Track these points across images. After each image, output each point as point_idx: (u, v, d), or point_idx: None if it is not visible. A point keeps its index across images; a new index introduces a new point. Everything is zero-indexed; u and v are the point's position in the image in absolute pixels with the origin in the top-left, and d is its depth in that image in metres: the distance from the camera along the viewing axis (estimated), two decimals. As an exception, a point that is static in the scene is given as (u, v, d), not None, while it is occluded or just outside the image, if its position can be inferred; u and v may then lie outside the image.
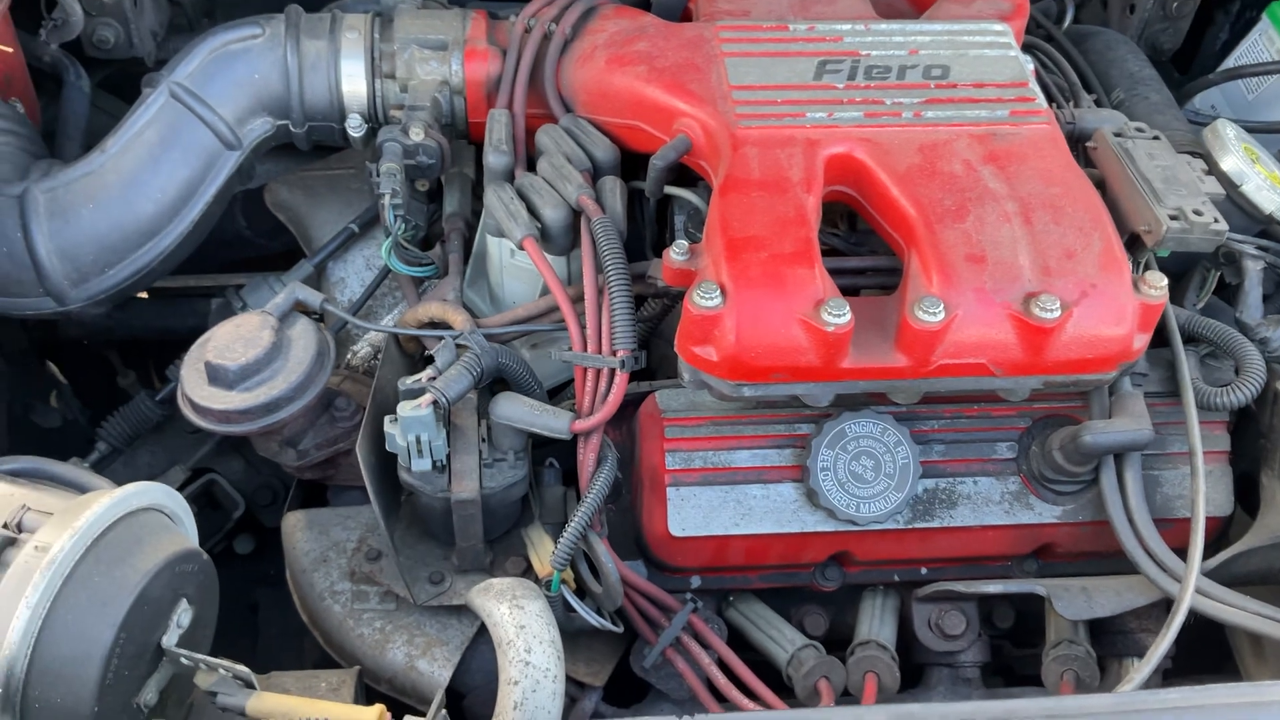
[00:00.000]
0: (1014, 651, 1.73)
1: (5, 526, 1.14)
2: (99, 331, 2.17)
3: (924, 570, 1.59)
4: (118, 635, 1.09)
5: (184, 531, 1.25)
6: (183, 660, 1.16)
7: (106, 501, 1.13)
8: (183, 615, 1.18)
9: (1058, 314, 1.31)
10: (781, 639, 1.59)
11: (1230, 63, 2.20)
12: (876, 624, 1.60)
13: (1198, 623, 1.60)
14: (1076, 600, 1.50)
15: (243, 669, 1.15)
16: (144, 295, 2.18)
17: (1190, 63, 2.35)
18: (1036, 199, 1.41)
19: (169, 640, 1.16)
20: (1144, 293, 1.37)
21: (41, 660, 1.06)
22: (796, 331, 1.32)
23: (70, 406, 2.23)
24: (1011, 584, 1.55)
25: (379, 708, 1.10)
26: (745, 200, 1.40)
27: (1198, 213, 1.41)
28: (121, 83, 2.07)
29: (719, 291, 1.32)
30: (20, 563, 1.08)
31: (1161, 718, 0.96)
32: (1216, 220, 1.41)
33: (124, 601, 1.10)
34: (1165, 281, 1.37)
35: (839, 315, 1.30)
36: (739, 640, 1.61)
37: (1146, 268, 1.44)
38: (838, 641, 1.61)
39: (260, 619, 2.07)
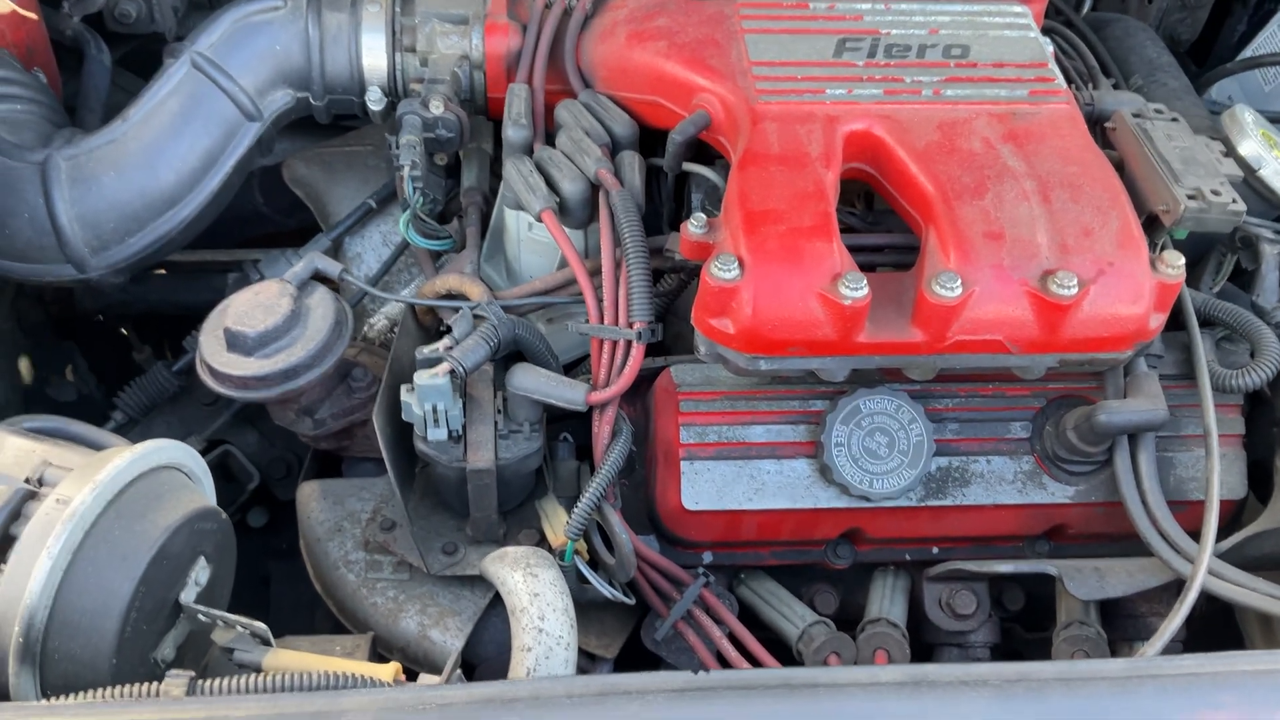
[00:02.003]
0: (1024, 635, 1.73)
1: (27, 481, 1.15)
2: (115, 305, 2.18)
3: (935, 550, 1.59)
4: (137, 589, 1.10)
5: (203, 491, 1.26)
6: (200, 617, 1.17)
7: (128, 456, 1.14)
8: (200, 573, 1.20)
9: (1075, 291, 1.31)
10: (792, 615, 1.60)
11: (1248, 54, 2.20)
12: (887, 602, 1.61)
13: (1209, 609, 1.61)
14: (1088, 580, 1.51)
15: (260, 625, 1.16)
16: (161, 270, 2.19)
17: (1208, 55, 2.35)
18: (1055, 177, 1.41)
19: (187, 596, 1.17)
20: (1161, 272, 1.37)
21: (62, 612, 1.08)
22: (813, 305, 1.32)
23: (86, 380, 2.25)
24: (1023, 564, 1.55)
25: (395, 665, 1.11)
26: (764, 174, 1.40)
27: (1216, 193, 1.41)
28: (141, 61, 2.09)
29: (737, 264, 1.33)
30: (41, 515, 1.09)
31: (1175, 684, 0.96)
32: (1235, 201, 1.42)
33: (144, 556, 1.11)
34: (1182, 260, 1.37)
35: (856, 289, 1.30)
36: (750, 617, 1.61)
37: (1164, 248, 1.44)
38: (848, 621, 1.62)
39: (272, 592, 2.08)
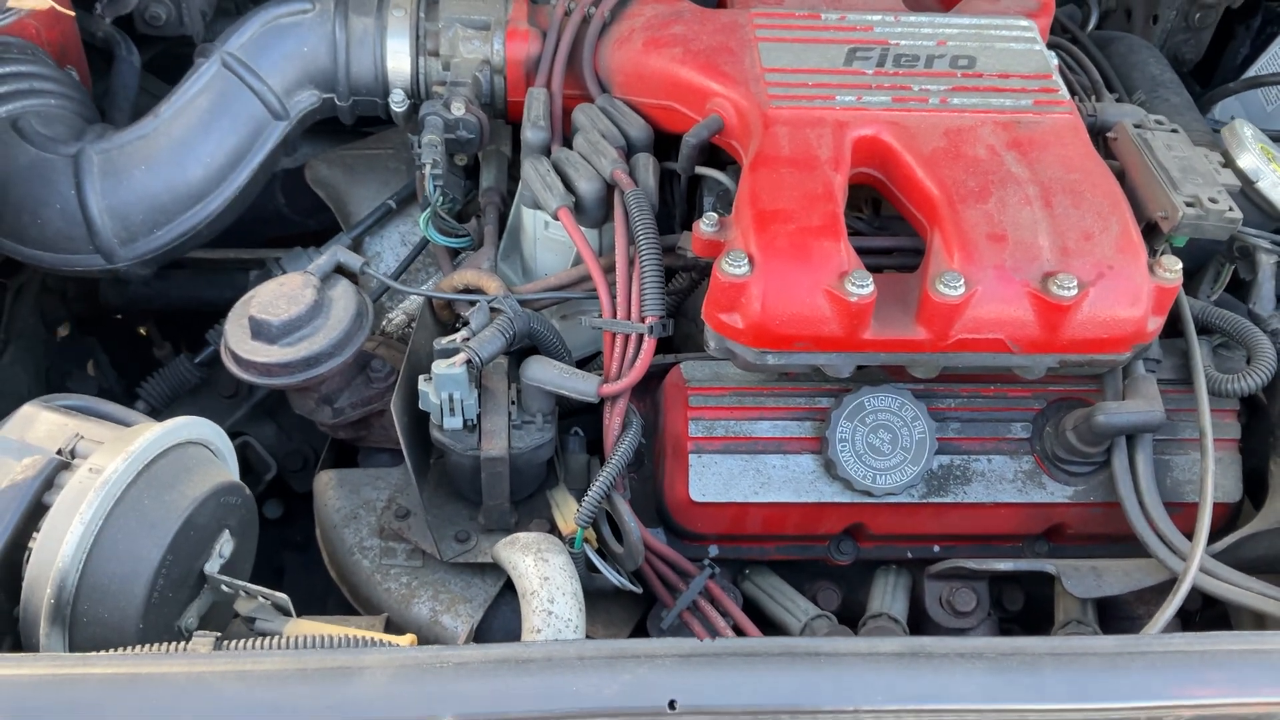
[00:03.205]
0: (1023, 635, 1.76)
1: (60, 453, 1.19)
2: (137, 301, 2.23)
3: (936, 549, 1.63)
4: (165, 556, 1.14)
5: (228, 467, 1.30)
6: (223, 587, 1.21)
7: (159, 430, 1.19)
8: (224, 545, 1.24)
9: (1075, 293, 1.35)
10: (795, 609, 1.63)
11: (1250, 75, 2.25)
12: (889, 598, 1.64)
13: (1206, 614, 1.64)
14: (1086, 579, 1.54)
15: (281, 596, 1.20)
16: (182, 267, 2.24)
17: (1211, 75, 2.39)
18: (1057, 184, 1.45)
19: (211, 567, 1.21)
20: (1159, 276, 1.40)
21: (92, 576, 1.12)
22: (820, 301, 1.36)
23: (106, 375, 2.29)
24: (1022, 563, 1.59)
25: (411, 635, 1.15)
26: (775, 176, 1.45)
27: (1213, 201, 1.46)
28: (167, 64, 2.14)
29: (747, 260, 1.37)
30: (75, 483, 1.13)
31: (1164, 660, 1.00)
32: (1231, 209, 1.46)
33: (172, 525, 1.15)
34: (1180, 265, 1.41)
35: (862, 286, 1.34)
36: (754, 613, 1.64)
37: (1162, 254, 1.48)
38: (849, 619, 1.65)
39: (286, 583, 2.12)
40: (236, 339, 1.55)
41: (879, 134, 1.51)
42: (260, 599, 1.21)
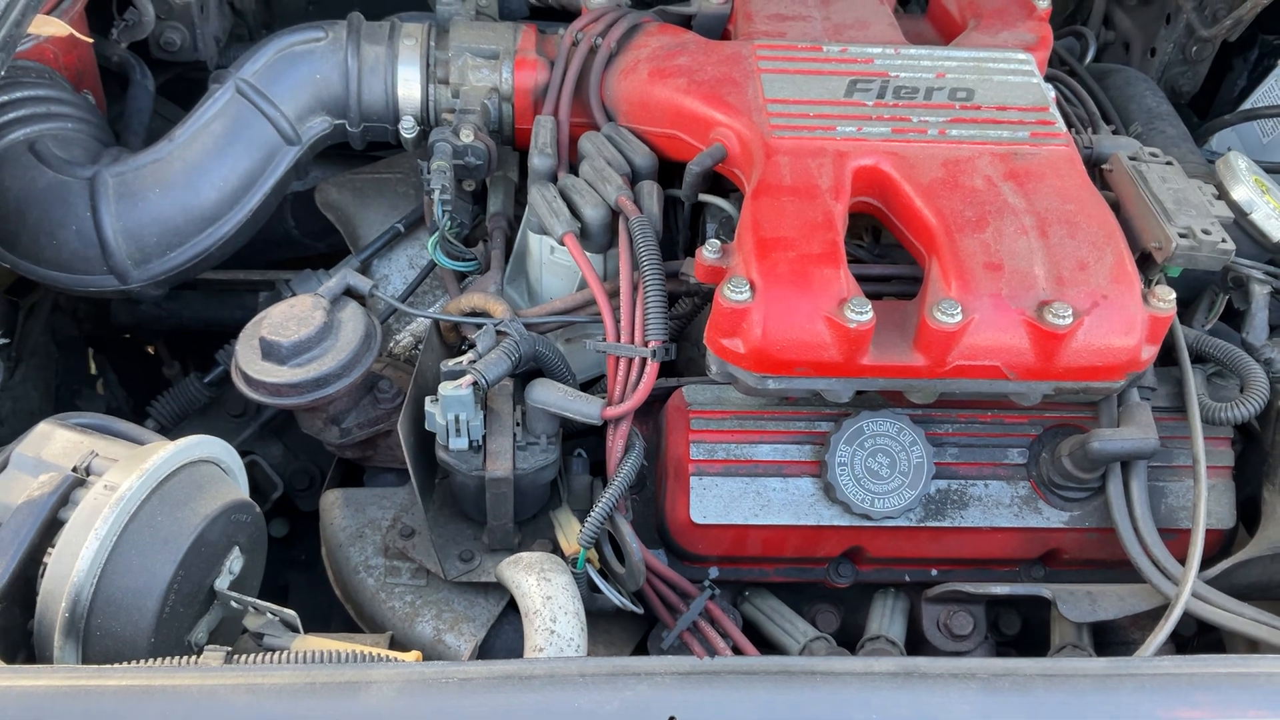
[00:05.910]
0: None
1: (75, 470, 1.22)
2: (147, 321, 2.26)
3: (934, 572, 1.65)
4: (177, 572, 1.17)
5: (238, 485, 1.33)
6: (233, 603, 1.23)
7: (172, 449, 1.21)
8: (234, 562, 1.26)
9: (1070, 321, 1.38)
10: (794, 631, 1.65)
11: (1247, 107, 2.28)
12: (887, 621, 1.66)
13: (1199, 642, 1.66)
14: (1081, 603, 1.56)
15: (289, 613, 1.23)
16: (192, 288, 2.27)
17: (1209, 107, 2.43)
18: (1053, 214, 1.48)
19: (221, 583, 1.23)
20: (1153, 305, 1.43)
21: (106, 590, 1.14)
22: (820, 327, 1.39)
23: (115, 394, 2.32)
24: (1018, 587, 1.61)
25: (417, 652, 1.17)
26: (776, 204, 1.48)
27: (1206, 232, 1.49)
28: (180, 89, 2.18)
29: (748, 286, 1.40)
30: (90, 499, 1.16)
31: (1153, 683, 1.02)
32: (1224, 240, 1.48)
33: (184, 541, 1.18)
34: (1173, 295, 1.43)
35: (861, 313, 1.37)
36: (753, 635, 1.66)
37: (1156, 284, 1.51)
38: (848, 642, 1.67)
39: (290, 602, 2.13)
40: (247, 359, 1.58)
41: (879, 164, 1.54)
42: (269, 615, 1.23)
